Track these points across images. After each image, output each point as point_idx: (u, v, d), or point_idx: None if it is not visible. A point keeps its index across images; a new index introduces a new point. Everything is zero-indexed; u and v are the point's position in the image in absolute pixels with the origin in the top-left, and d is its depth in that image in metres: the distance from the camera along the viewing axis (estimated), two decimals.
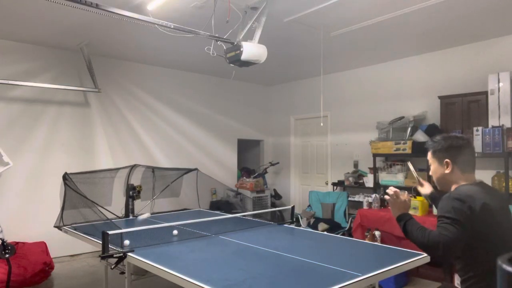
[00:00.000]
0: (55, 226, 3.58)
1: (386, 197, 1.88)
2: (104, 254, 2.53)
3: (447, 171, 1.82)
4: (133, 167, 4.36)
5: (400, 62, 5.54)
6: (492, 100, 4.27)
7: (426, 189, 2.26)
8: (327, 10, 3.75)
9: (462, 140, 1.84)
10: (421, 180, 2.31)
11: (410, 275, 4.19)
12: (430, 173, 1.94)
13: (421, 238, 1.67)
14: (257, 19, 3.53)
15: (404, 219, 1.79)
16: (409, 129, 5.06)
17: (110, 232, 2.58)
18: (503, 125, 4.17)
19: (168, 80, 6.28)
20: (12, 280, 3.82)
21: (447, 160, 1.82)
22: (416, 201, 4.23)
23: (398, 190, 1.87)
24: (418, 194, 4.47)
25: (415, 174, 2.33)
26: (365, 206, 4.82)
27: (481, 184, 1.80)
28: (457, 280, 2.14)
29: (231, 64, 3.46)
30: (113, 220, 3.47)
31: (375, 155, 5.32)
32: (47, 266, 4.18)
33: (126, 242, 2.78)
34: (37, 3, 3.59)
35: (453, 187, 1.82)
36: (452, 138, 1.85)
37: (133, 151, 5.81)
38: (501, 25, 4.17)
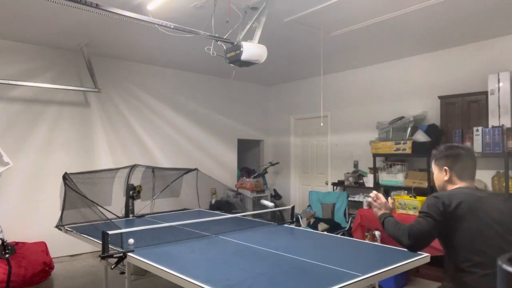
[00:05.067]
0: (55, 226, 3.58)
1: (368, 199, 2.12)
2: (104, 254, 2.53)
3: (445, 178, 1.95)
4: (133, 167, 4.36)
5: (400, 62, 5.55)
6: (492, 100, 4.27)
7: None
8: (327, 10, 3.75)
9: (462, 149, 1.96)
10: None
11: (410, 275, 4.19)
12: (434, 180, 2.07)
13: (393, 230, 1.88)
14: (257, 19, 3.53)
15: (383, 217, 2.00)
16: (409, 129, 5.07)
17: (110, 232, 2.58)
18: (503, 125, 4.17)
19: (168, 80, 6.28)
20: (12, 280, 3.82)
21: (445, 167, 1.94)
22: (415, 201, 4.23)
23: (378, 194, 2.11)
24: (418, 194, 4.48)
25: None
26: (365, 206, 4.82)
27: (474, 189, 1.90)
28: None
29: (231, 64, 3.46)
30: (113, 220, 3.47)
31: (375, 155, 5.32)
32: (47, 266, 4.18)
33: (131, 240, 2.78)
34: (37, 3, 3.59)
35: None
36: (452, 148, 1.97)
37: (133, 151, 5.81)
38: (501, 25, 4.17)
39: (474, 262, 1.72)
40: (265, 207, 3.94)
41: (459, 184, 1.91)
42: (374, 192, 2.12)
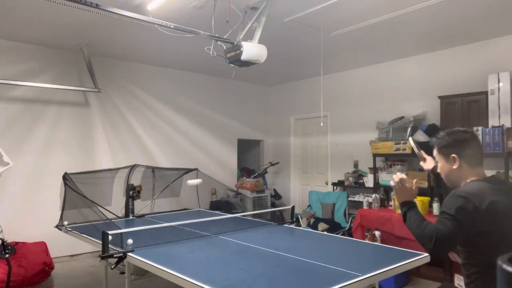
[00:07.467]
0: (55, 226, 3.58)
1: (392, 183, 1.86)
2: (104, 254, 2.53)
3: (454, 167, 1.77)
4: (133, 167, 4.36)
5: (400, 62, 5.55)
6: (492, 100, 4.27)
7: (428, 164, 2.23)
8: (327, 10, 3.75)
9: (467, 133, 1.79)
10: (423, 154, 2.28)
11: (410, 275, 4.19)
12: (438, 170, 1.89)
13: (416, 229, 1.68)
14: (257, 19, 3.53)
15: (407, 206, 1.79)
16: (409, 129, 5.07)
17: (110, 232, 2.58)
18: (503, 125, 4.17)
19: (168, 80, 6.28)
20: (12, 280, 3.82)
21: (453, 155, 1.77)
22: (416, 201, 4.22)
23: (404, 176, 1.84)
24: (418, 194, 4.47)
25: (416, 149, 2.29)
26: (365, 206, 4.82)
27: (491, 179, 1.76)
28: (457, 280, 2.15)
29: (231, 64, 3.46)
30: (113, 220, 3.47)
31: (375, 155, 5.32)
32: (47, 266, 4.18)
33: (130, 241, 2.78)
34: (37, 3, 3.59)
35: (462, 184, 1.77)
36: (456, 133, 1.80)
37: (133, 151, 5.81)
38: (501, 25, 4.17)
39: None
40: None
41: (471, 173, 1.75)
42: (399, 174, 1.84)
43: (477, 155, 1.78)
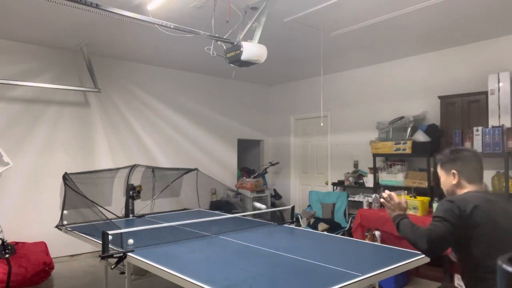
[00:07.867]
0: (55, 226, 3.58)
1: (382, 200, 2.02)
2: (104, 254, 2.53)
3: (454, 182, 1.91)
4: (133, 167, 4.37)
5: (400, 62, 5.54)
6: (492, 100, 4.27)
7: None
8: (327, 10, 3.75)
9: (468, 152, 1.94)
10: None
11: (410, 275, 4.19)
12: (441, 185, 2.02)
13: (410, 233, 1.80)
14: (257, 19, 3.53)
15: (398, 218, 1.93)
16: (409, 129, 5.07)
17: (110, 232, 2.58)
18: (503, 125, 4.17)
19: (168, 80, 6.28)
20: (12, 280, 3.82)
21: (453, 171, 1.91)
22: (416, 201, 4.23)
23: (392, 193, 2.00)
24: (418, 194, 4.48)
25: None
26: (365, 206, 4.82)
27: (485, 192, 1.88)
28: (457, 280, 2.17)
29: (231, 64, 3.46)
30: (113, 220, 3.47)
31: (375, 155, 5.32)
32: (47, 266, 4.18)
33: (130, 241, 2.78)
34: (37, 3, 3.59)
35: None
36: (458, 151, 1.95)
37: (133, 151, 5.81)
38: (501, 25, 4.17)
39: (490, 268, 1.66)
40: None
41: (468, 188, 1.87)
42: (387, 191, 2.02)
43: (475, 172, 1.91)
